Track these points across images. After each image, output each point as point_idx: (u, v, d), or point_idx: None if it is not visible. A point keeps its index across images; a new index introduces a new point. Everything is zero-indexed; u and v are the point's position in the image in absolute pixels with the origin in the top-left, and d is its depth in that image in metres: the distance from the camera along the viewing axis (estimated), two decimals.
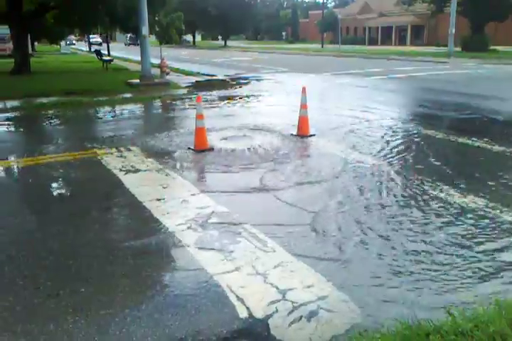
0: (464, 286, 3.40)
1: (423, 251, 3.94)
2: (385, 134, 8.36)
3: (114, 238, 4.34)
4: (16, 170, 6.74)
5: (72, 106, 12.45)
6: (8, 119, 10.97)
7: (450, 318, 2.84)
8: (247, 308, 3.16)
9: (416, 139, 7.95)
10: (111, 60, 24.25)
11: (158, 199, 5.25)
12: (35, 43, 44.43)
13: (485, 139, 7.74)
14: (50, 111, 11.83)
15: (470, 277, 3.51)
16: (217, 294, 3.34)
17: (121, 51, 46.31)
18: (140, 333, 2.93)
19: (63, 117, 11.48)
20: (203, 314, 3.12)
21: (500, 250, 3.95)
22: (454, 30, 30.07)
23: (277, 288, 3.39)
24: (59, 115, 11.52)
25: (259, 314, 3.10)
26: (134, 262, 3.84)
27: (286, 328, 2.96)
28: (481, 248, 3.99)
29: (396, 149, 7.33)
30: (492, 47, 35.75)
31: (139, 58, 25.30)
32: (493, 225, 4.43)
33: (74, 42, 71.70)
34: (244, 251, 3.99)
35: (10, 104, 12.49)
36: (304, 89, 8.26)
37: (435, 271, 3.61)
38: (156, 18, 22.14)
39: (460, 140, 7.81)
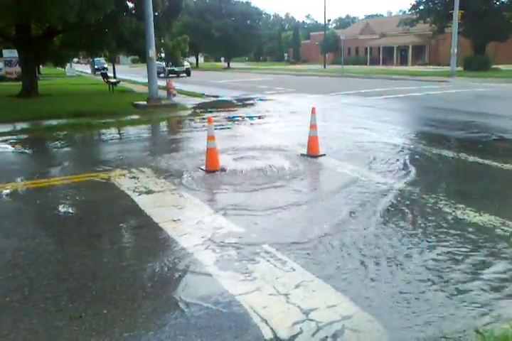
0: (490, 307, 3.38)
1: (444, 271, 3.93)
2: (395, 153, 8.39)
3: (134, 259, 4.34)
4: (29, 192, 6.76)
5: (81, 128, 12.55)
6: (18, 141, 11.05)
7: (479, 338, 2.82)
8: (272, 329, 3.14)
9: (426, 158, 7.97)
10: (117, 82, 24.49)
11: (174, 220, 5.27)
12: (41, 66, 44.87)
13: (495, 157, 7.76)
14: (60, 133, 11.92)
15: (494, 298, 3.50)
16: (241, 315, 3.33)
17: (124, 73, 46.72)
18: None
19: (73, 139, 11.58)
20: (228, 335, 3.10)
21: None
22: (456, 50, 30.35)
23: (300, 308, 3.38)
24: (69, 137, 11.62)
25: (284, 334, 3.08)
26: (154, 283, 3.83)
27: None
28: (501, 267, 3.98)
29: (407, 168, 7.35)
30: (493, 66, 36.04)
31: (143, 80, 25.70)
32: None
33: (105, 65, 51.26)
34: (263, 271, 3.98)
35: (20, 126, 12.59)
36: (313, 110, 8.32)
37: (459, 291, 3.60)
38: (162, 41, 22.42)
39: (470, 159, 7.83)
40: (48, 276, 4.00)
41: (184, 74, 42.97)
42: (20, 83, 20.91)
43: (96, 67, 50.44)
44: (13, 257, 4.44)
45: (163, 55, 38.10)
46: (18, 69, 27.62)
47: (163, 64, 42.21)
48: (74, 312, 3.41)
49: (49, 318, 3.36)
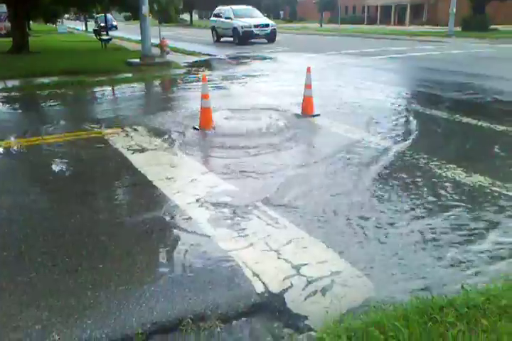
0: (475, 264, 3.48)
1: (432, 228, 4.01)
2: (390, 114, 8.38)
3: (128, 216, 4.40)
4: (22, 149, 6.75)
5: (74, 86, 12.40)
6: (9, 99, 10.95)
7: (462, 292, 2.92)
8: (263, 283, 3.23)
9: (420, 119, 7.97)
10: (110, 39, 24.02)
11: (168, 178, 5.31)
12: (31, 22, 43.72)
13: (489, 119, 7.78)
14: (52, 91, 11.79)
15: (480, 255, 3.60)
16: (233, 270, 3.41)
17: (117, 31, 45.56)
18: (160, 308, 3.00)
19: (65, 97, 11.47)
20: (221, 289, 3.19)
21: (510, 228, 4.02)
22: (454, 10, 29.79)
23: (291, 263, 3.47)
24: (61, 95, 11.51)
25: (275, 289, 3.17)
26: (149, 239, 3.91)
27: (302, 302, 3.04)
28: (489, 226, 4.06)
29: (401, 129, 7.37)
30: (492, 27, 35.48)
31: (136, 37, 25.21)
32: (501, 204, 4.50)
33: (114, 23, 45.18)
34: (256, 228, 4.06)
35: (10, 83, 12.44)
36: (308, 69, 8.25)
37: (443, 248, 3.69)
38: None
39: (464, 120, 7.84)
40: (44, 232, 4.05)
41: (265, 40, 27.58)
42: (10, 39, 20.48)
43: (102, 24, 33.15)
44: (9, 214, 4.50)
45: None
46: (7, 24, 27.00)
47: (234, 22, 27.03)
48: (70, 267, 3.49)
49: (46, 272, 3.43)
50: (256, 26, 26.64)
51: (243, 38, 26.54)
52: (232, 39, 27.57)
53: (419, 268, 3.39)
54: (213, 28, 30.10)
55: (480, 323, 2.60)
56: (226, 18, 28.12)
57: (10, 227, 4.18)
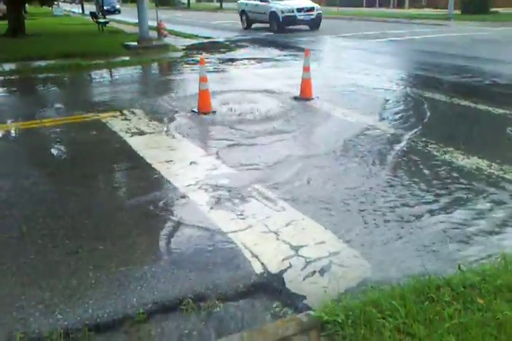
0: (472, 243, 3.52)
1: (429, 209, 4.05)
2: (387, 97, 8.37)
3: (128, 198, 4.43)
4: (21, 133, 6.76)
5: (71, 69, 12.32)
6: (5, 82, 10.89)
7: (459, 272, 2.96)
8: (262, 264, 3.27)
9: (418, 102, 7.96)
10: (107, 22, 23.78)
11: (167, 161, 5.33)
12: (27, 5, 43.11)
13: (487, 102, 7.77)
14: (49, 75, 11.73)
15: (477, 235, 3.64)
16: (233, 251, 3.45)
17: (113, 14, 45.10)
18: (160, 288, 3.04)
19: (62, 80, 11.43)
20: (220, 269, 3.23)
21: (504, 209, 4.06)
22: None
23: (290, 244, 3.51)
24: (58, 78, 11.46)
25: (273, 269, 3.21)
26: (149, 221, 3.95)
27: (301, 282, 3.08)
28: (485, 207, 4.10)
29: (399, 112, 7.37)
30: (493, 10, 35.15)
31: (133, 20, 24.93)
32: (497, 186, 4.53)
33: (117, 6, 44.42)
34: (255, 210, 4.09)
35: (7, 66, 12.34)
36: (306, 52, 8.21)
37: (441, 228, 3.73)
38: None
39: (462, 103, 7.84)
40: (44, 215, 4.09)
41: (307, 27, 22.97)
42: (6, 22, 20.26)
43: (105, 8, 32.21)
44: (9, 196, 4.52)
45: None
46: (3, 7, 26.69)
47: (272, 5, 22.45)
48: (71, 248, 3.53)
49: (47, 254, 3.47)
50: (299, 10, 21.84)
51: (283, 24, 21.97)
52: (268, 26, 23.05)
53: (415, 250, 3.43)
54: (243, 13, 24.82)
55: (476, 302, 2.64)
56: (261, 0, 23.36)
57: (10, 210, 4.22)
